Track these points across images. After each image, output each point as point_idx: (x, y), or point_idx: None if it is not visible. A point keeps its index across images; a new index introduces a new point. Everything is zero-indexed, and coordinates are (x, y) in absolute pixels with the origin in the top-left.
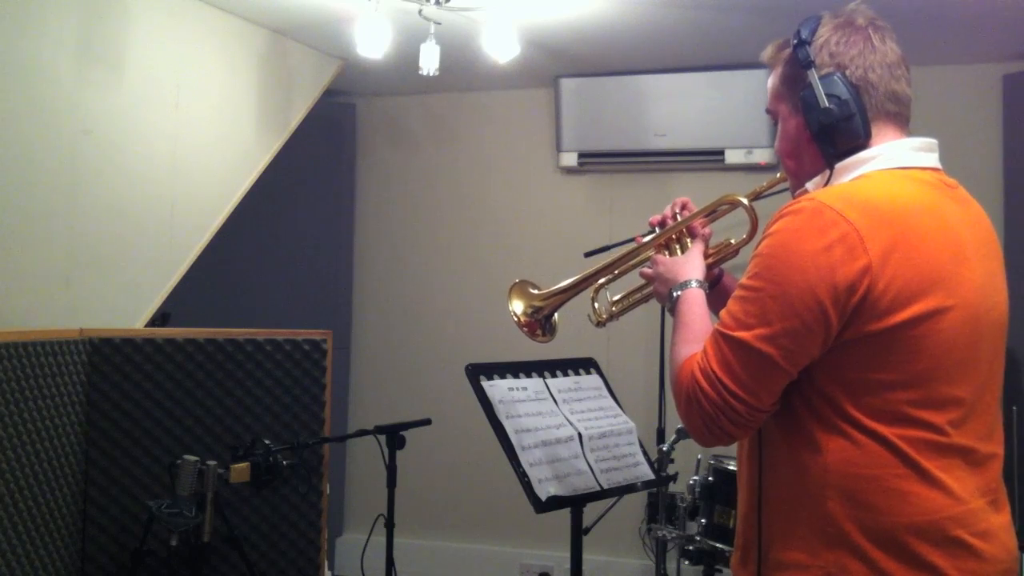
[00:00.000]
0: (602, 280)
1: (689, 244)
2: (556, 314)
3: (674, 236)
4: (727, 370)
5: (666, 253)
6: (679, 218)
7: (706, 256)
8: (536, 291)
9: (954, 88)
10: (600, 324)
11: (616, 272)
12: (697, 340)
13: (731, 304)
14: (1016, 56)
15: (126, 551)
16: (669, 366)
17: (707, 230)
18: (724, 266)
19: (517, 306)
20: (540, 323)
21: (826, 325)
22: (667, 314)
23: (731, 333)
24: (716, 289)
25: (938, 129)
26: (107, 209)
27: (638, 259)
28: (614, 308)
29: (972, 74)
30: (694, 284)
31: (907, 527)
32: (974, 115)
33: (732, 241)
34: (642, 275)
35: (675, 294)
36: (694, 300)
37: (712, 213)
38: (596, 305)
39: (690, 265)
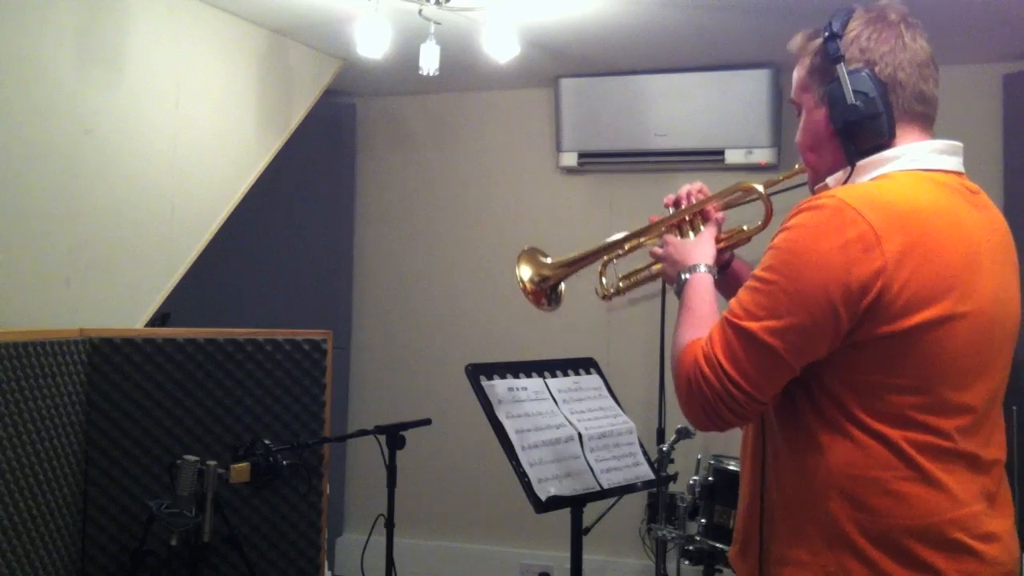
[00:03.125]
0: (611, 255)
1: (702, 228)
2: (563, 285)
3: (687, 218)
4: (731, 359)
5: (678, 234)
6: (694, 200)
7: (718, 241)
8: (545, 259)
9: (954, 88)
10: (606, 297)
11: (627, 248)
12: (701, 325)
13: (742, 294)
14: (1016, 56)
15: (126, 551)
16: (671, 349)
17: (720, 215)
18: (738, 253)
19: (525, 272)
20: (546, 292)
21: (836, 324)
22: (668, 310)
23: (739, 323)
24: (726, 274)
25: (938, 129)
26: (107, 209)
27: (649, 237)
28: (621, 283)
29: (972, 74)
30: (703, 268)
31: (907, 529)
32: (974, 115)
33: (745, 228)
34: (652, 254)
35: (683, 277)
36: (701, 285)
37: (727, 199)
38: (604, 279)
39: (700, 248)
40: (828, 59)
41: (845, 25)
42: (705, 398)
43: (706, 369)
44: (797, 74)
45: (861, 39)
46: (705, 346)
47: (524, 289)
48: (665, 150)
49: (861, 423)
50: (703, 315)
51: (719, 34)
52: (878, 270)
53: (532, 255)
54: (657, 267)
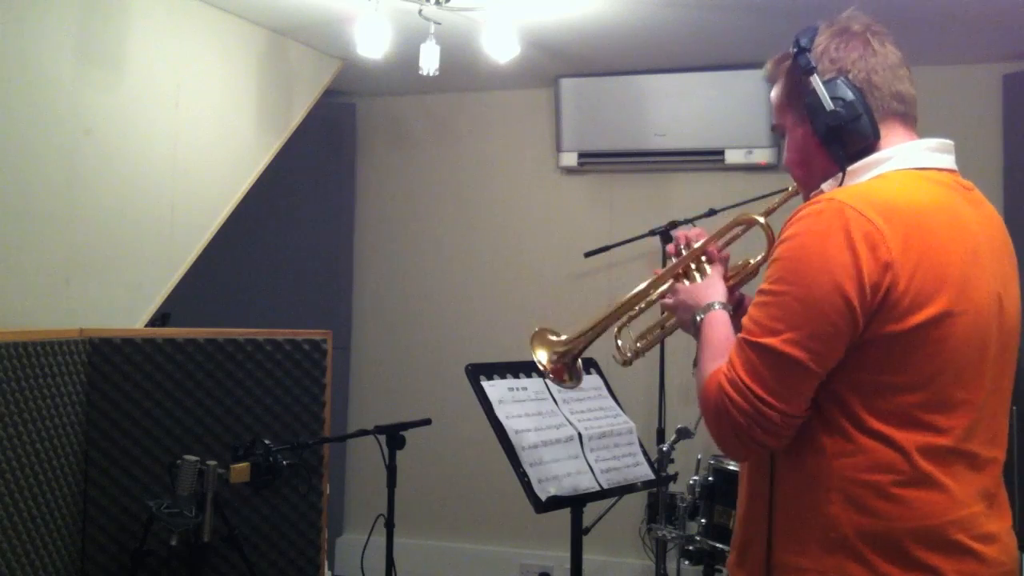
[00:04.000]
0: (624, 318)
1: (708, 269)
2: (580, 360)
3: (692, 264)
4: (756, 378)
5: (685, 281)
6: (694, 244)
7: (726, 279)
8: (556, 338)
9: (954, 88)
10: (626, 363)
11: (637, 308)
12: (722, 356)
13: (753, 311)
14: (1016, 56)
15: (126, 551)
16: (696, 384)
17: (725, 253)
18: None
19: (542, 356)
20: (567, 367)
21: (853, 324)
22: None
23: (757, 340)
24: (738, 313)
25: (938, 129)
26: (107, 209)
27: (659, 291)
28: (639, 344)
29: (972, 74)
30: (717, 306)
31: (908, 532)
32: (974, 115)
33: (751, 261)
34: (664, 306)
35: (698, 318)
36: (718, 321)
37: (728, 235)
38: (620, 343)
39: (712, 288)
40: (801, 73)
41: (812, 40)
42: (736, 423)
43: (732, 393)
44: (774, 96)
45: (830, 50)
46: (728, 371)
47: (544, 371)
48: (665, 150)
49: (863, 424)
50: (723, 347)
51: (719, 34)
52: (886, 266)
53: (543, 336)
54: (673, 320)
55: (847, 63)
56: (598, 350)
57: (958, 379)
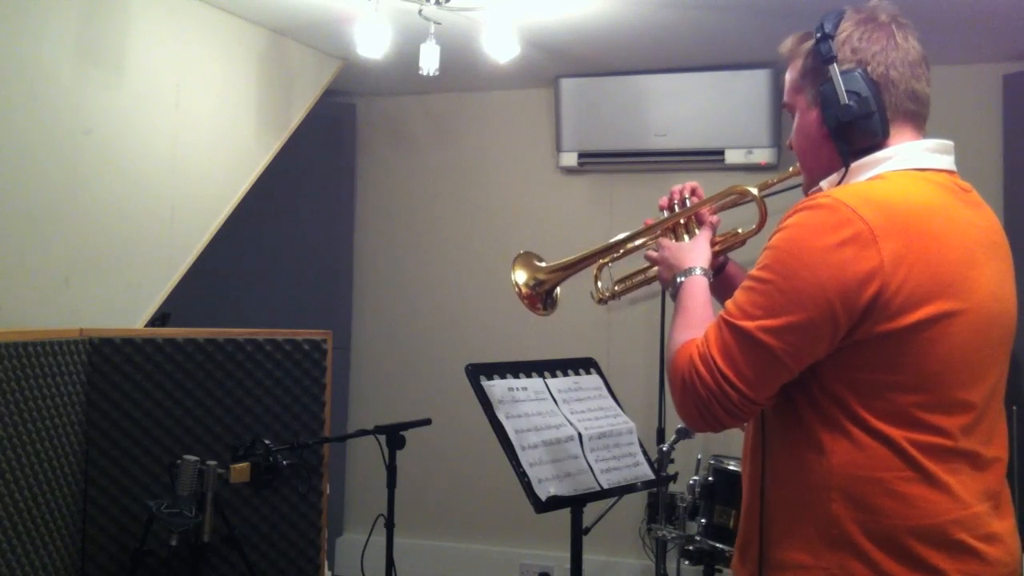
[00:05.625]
0: (606, 259)
1: (696, 231)
2: (558, 289)
3: (682, 221)
4: (727, 358)
5: (672, 238)
6: (688, 203)
7: (712, 244)
8: (540, 263)
9: (954, 88)
10: (602, 301)
11: (621, 252)
12: (697, 326)
13: (738, 294)
14: (1016, 56)
15: (126, 551)
16: (667, 350)
17: (715, 218)
18: (732, 256)
19: (520, 277)
20: (541, 296)
21: (833, 324)
22: (667, 310)
23: (735, 322)
24: (720, 277)
25: (938, 129)
26: (107, 209)
27: (644, 241)
28: (616, 287)
29: (972, 74)
30: (698, 271)
31: (910, 530)
32: (974, 115)
33: (740, 231)
34: (647, 258)
35: (679, 280)
36: (697, 287)
37: (721, 202)
38: (599, 283)
39: (696, 252)
40: (820, 60)
41: (836, 26)
42: (699, 397)
43: (701, 368)
44: (789, 76)
45: (853, 39)
46: (701, 346)
47: (519, 293)
48: (665, 150)
49: (863, 422)
50: (699, 316)
51: (719, 34)
52: (875, 268)
53: (527, 259)
54: (653, 270)
55: (868, 55)
56: (594, 348)
57: (958, 380)
